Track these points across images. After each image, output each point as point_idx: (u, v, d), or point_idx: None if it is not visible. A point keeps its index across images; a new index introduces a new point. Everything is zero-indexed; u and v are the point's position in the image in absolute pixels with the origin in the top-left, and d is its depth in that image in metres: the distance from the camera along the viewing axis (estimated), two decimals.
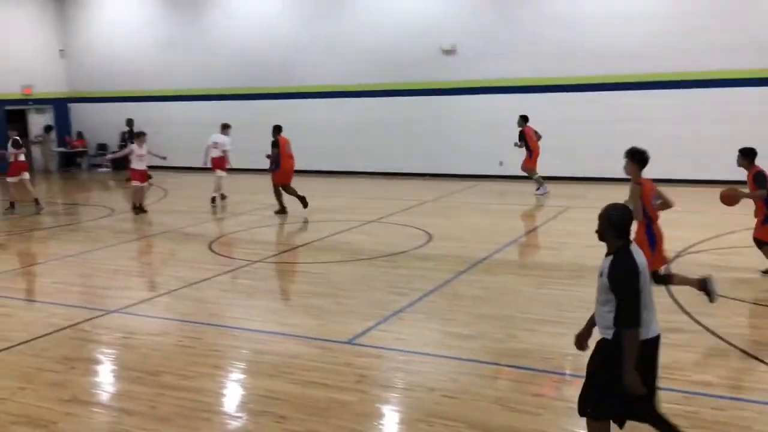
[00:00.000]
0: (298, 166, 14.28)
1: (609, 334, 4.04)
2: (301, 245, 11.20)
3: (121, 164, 23.29)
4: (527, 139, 15.75)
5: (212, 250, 11.08)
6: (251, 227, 12.93)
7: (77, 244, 11.97)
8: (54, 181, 22.13)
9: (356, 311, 7.72)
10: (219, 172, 15.69)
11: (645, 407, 4.13)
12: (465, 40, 18.77)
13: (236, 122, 21.30)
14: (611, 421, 4.22)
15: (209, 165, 15.80)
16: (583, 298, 8.33)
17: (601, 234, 4.14)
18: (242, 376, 6.13)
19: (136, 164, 14.49)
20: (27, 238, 12.69)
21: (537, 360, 6.18)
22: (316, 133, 20.61)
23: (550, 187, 15.84)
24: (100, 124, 24.12)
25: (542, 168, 16.07)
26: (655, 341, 4.10)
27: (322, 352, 6.52)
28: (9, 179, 15.01)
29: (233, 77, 21.72)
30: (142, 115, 22.86)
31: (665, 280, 7.35)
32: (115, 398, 5.70)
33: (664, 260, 7.28)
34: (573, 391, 5.63)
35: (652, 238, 6.98)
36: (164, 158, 15.35)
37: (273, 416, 5.24)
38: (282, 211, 14.06)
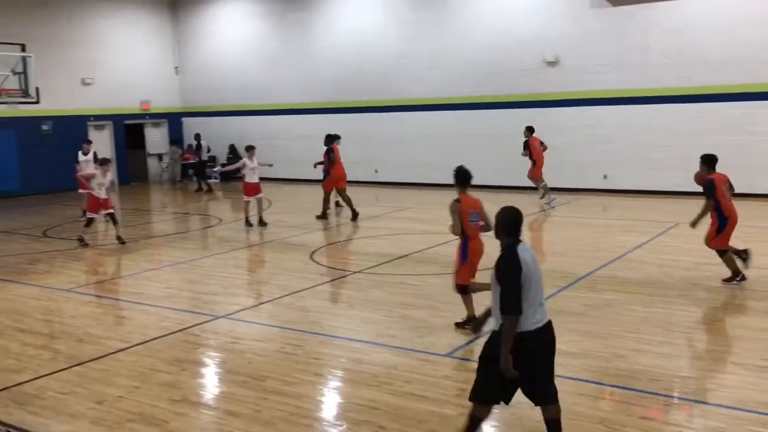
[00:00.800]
0: (396, 178, 14.47)
1: (499, 326, 4.45)
2: (400, 257, 11.27)
3: (229, 176, 24.33)
4: (531, 150, 16.30)
5: (314, 260, 11.33)
6: (352, 237, 13.14)
7: (187, 251, 12.55)
8: (166, 191, 23.30)
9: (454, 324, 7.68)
10: None
11: (486, 395, 4.61)
12: (568, 50, 18.42)
13: (341, 135, 21.79)
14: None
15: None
16: (695, 318, 7.95)
17: (496, 234, 4.60)
18: (342, 385, 6.22)
19: (249, 177, 14.53)
20: (143, 245, 13.42)
21: (644, 381, 5.93)
22: (414, 145, 20.77)
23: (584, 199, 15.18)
24: (210, 137, 25.22)
25: (655, 182, 15.52)
26: (539, 333, 4.47)
27: (421, 364, 6.53)
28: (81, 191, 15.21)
29: (335, 91, 22.23)
30: (249, 128, 23.78)
31: (465, 290, 7.55)
32: (222, 400, 5.92)
33: (472, 275, 7.54)
34: (683, 415, 5.39)
35: (465, 253, 7.42)
36: (270, 165, 15.72)
37: (372, 426, 5.29)
38: (323, 216, 15.03)
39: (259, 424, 5.38)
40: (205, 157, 22.91)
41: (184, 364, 6.86)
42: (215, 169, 23.53)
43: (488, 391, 4.60)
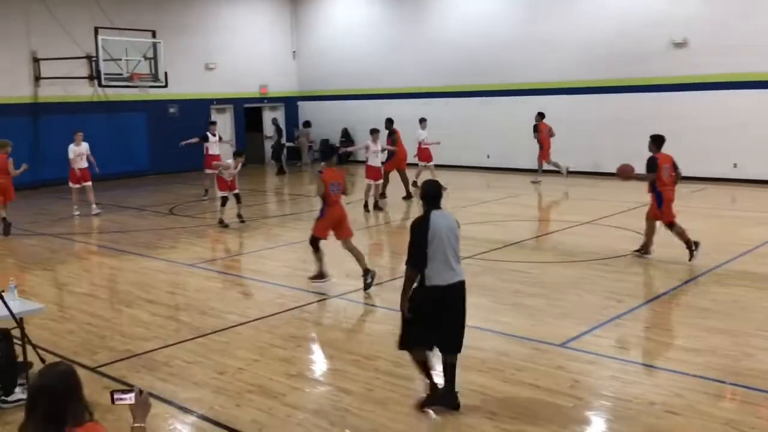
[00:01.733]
0: (509, 164, 14.27)
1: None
2: (512, 244, 11.10)
3: (343, 159, 24.77)
4: (540, 135, 18.00)
5: None
6: (462, 223, 13.03)
7: (302, 232, 12.86)
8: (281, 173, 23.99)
9: (570, 314, 7.49)
10: (422, 164, 17.00)
11: (413, 340, 5.35)
12: (698, 31, 17.39)
13: (451, 119, 21.69)
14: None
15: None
16: None
17: (422, 201, 5.43)
18: None
19: (372, 161, 14.62)
20: (260, 225, 13.93)
21: None
22: (529, 130, 20.31)
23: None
24: (324, 121, 25.76)
25: None
26: (445, 290, 5.17)
27: (533, 353, 6.42)
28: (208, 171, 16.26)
29: (450, 75, 22.05)
30: (363, 112, 24.06)
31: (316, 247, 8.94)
32: (335, 377, 6.06)
33: (325, 234, 8.92)
34: None
35: (322, 213, 8.90)
36: (393, 150, 15.85)
37: (484, 412, 5.26)
38: (408, 196, 15.62)
39: (371, 403, 5.47)
40: (283, 140, 23.45)
41: (300, 340, 7.07)
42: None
43: (409, 336, 5.35)
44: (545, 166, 18.35)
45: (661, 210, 9.45)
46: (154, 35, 19.72)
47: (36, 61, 19.58)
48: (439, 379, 5.45)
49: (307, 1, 26.02)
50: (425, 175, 15.97)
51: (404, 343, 5.41)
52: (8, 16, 18.94)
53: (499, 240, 11.34)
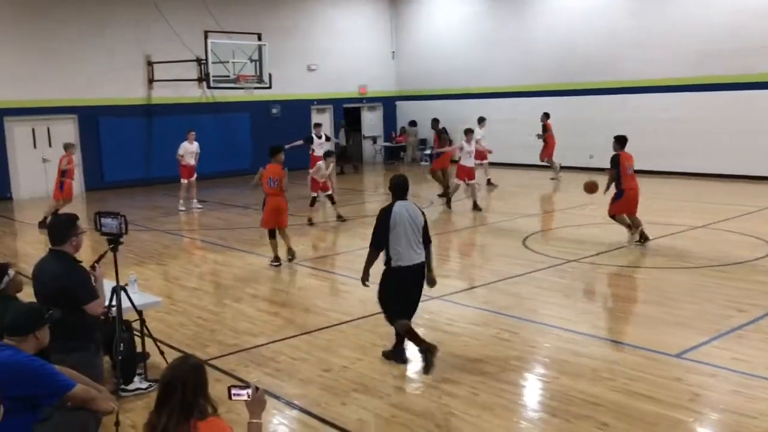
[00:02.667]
0: None
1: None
2: (620, 247, 10.68)
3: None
4: (547, 133, 18.86)
5: (526, 246, 11.11)
6: (566, 225, 12.70)
7: None
8: (379, 172, 24.17)
9: (686, 323, 7.11)
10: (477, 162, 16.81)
11: (394, 314, 6.23)
12: None
13: (554, 118, 21.19)
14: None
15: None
16: None
17: (390, 192, 6.23)
18: (560, 377, 5.99)
19: (464, 161, 14.57)
20: (358, 224, 14.03)
21: None
22: (635, 129, 19.50)
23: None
24: (422, 120, 25.72)
25: None
26: (407, 270, 6.05)
27: (647, 363, 6.13)
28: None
29: (552, 72, 21.54)
30: (460, 111, 23.89)
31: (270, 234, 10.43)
32: (440, 380, 5.97)
33: (267, 225, 10.36)
34: None
35: (263, 206, 10.37)
36: (490, 152, 15.75)
37: (595, 422, 5.06)
38: (444, 195, 15.46)
39: (477, 407, 5.37)
40: (343, 142, 23.39)
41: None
42: (426, 152, 23.96)
43: (392, 312, 6.24)
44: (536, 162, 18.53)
45: (618, 202, 10.60)
46: (259, 38, 20.28)
47: (150, 64, 20.57)
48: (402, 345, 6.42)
49: (407, 1, 26.07)
50: (479, 174, 15.90)
51: (390, 319, 6.28)
52: (126, 23, 19.98)
53: (606, 243, 10.94)
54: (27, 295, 6.34)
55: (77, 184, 19.65)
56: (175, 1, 20.65)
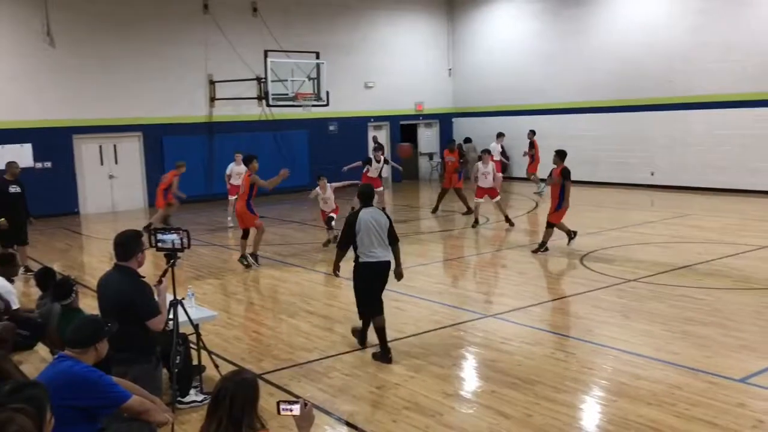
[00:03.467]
0: (675, 181, 13.48)
1: None
2: (682, 267, 10.37)
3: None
4: (536, 149, 19.99)
5: (584, 265, 10.90)
6: (624, 243, 12.41)
7: (456, 249, 12.86)
8: (435, 189, 24.09)
9: (751, 347, 6.85)
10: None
11: (361, 305, 7.16)
12: None
13: (611, 134, 20.88)
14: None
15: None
16: None
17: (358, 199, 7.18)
18: (618, 400, 5.83)
19: (481, 182, 14.56)
20: (414, 240, 14.04)
21: None
22: (698, 146, 19.07)
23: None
24: (478, 137, 25.62)
25: None
26: (372, 266, 6.91)
27: (709, 387, 5.92)
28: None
29: (612, 89, 21.16)
30: (519, 128, 23.74)
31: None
32: (493, 399, 5.90)
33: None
34: None
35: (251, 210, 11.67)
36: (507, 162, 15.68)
37: None
38: (469, 212, 15.97)
39: (531, 429, 5.28)
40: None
41: (455, 359, 7.00)
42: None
43: (361, 309, 7.14)
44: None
45: (559, 212, 11.70)
46: (318, 56, 20.61)
47: (212, 83, 21.12)
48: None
49: (464, 17, 26.10)
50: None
51: (360, 314, 7.15)
52: (191, 43, 20.59)
53: (666, 263, 10.64)
54: (90, 307, 6.56)
55: (142, 198, 20.32)
56: (236, 22, 21.20)
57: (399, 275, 7.19)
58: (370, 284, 7.00)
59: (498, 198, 14.68)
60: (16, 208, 11.42)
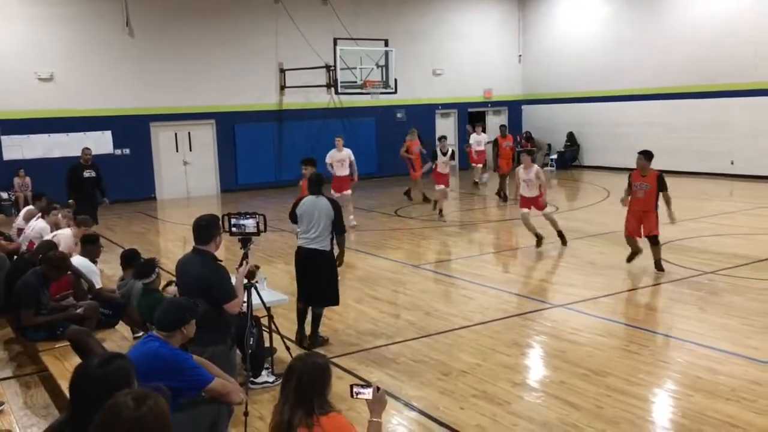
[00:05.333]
0: (757, 170, 12.89)
1: None
2: (763, 260, 9.95)
3: (565, 163, 24.04)
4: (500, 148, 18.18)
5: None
6: (702, 234, 12.00)
7: (524, 237, 12.67)
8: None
9: None
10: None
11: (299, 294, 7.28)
12: None
13: (688, 121, 20.16)
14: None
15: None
16: None
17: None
18: (694, 394, 5.67)
19: (524, 191, 11.65)
20: (481, 228, 13.93)
21: None
22: None
23: None
24: (550, 124, 25.18)
25: None
26: (301, 250, 7.14)
27: None
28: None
29: (690, 74, 20.37)
30: (591, 115, 23.20)
31: None
32: (562, 390, 5.82)
33: None
34: None
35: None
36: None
37: None
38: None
39: (601, 421, 5.19)
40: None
41: (524, 348, 6.94)
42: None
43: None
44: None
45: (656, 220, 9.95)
46: (386, 44, 20.59)
47: (282, 71, 21.42)
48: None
49: (535, 3, 25.61)
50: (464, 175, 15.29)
51: (297, 299, 7.23)
52: (263, 32, 20.94)
53: (747, 255, 10.23)
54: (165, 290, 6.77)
55: (214, 184, 20.84)
56: (306, 11, 21.40)
57: (339, 263, 7.42)
58: (299, 268, 7.14)
59: (547, 210, 11.75)
60: (90, 191, 12.02)
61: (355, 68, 19.88)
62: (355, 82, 19.92)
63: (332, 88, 20.91)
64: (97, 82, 18.87)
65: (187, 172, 20.58)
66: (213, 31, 20.28)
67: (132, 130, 19.33)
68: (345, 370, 6.37)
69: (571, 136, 24.33)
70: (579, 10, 23.93)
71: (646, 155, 9.56)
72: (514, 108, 26.47)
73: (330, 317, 8.12)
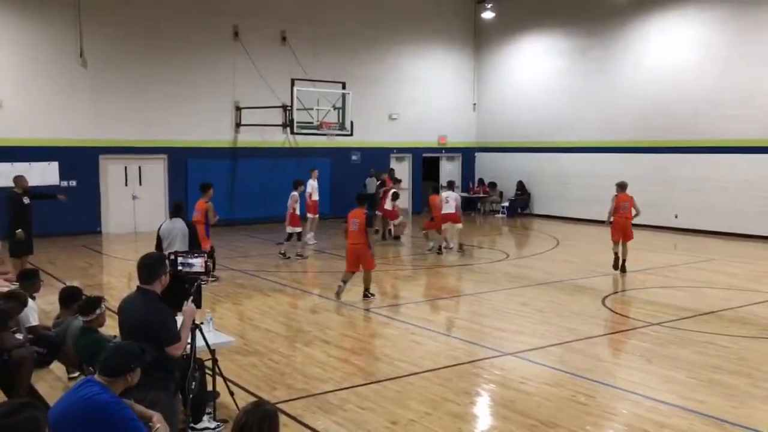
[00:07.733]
0: (699, 225, 13.28)
1: None
2: (707, 313, 10.16)
3: (515, 211, 24.38)
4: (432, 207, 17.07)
5: (606, 306, 10.73)
6: (647, 286, 12.22)
7: (475, 284, 12.73)
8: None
9: None
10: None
11: None
12: None
13: (635, 175, 20.71)
14: None
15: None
16: None
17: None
18: None
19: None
20: (433, 273, 13.93)
21: None
22: (722, 190, 18.87)
23: None
24: (502, 172, 25.58)
25: None
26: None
27: None
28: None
29: (637, 130, 21.06)
30: (542, 165, 23.68)
31: None
32: None
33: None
34: None
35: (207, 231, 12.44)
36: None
37: None
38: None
39: None
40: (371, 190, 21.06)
41: (473, 397, 6.86)
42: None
43: None
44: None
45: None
46: (344, 86, 20.77)
47: (238, 109, 21.34)
48: None
49: (490, 53, 26.23)
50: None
51: None
52: (219, 69, 20.88)
53: (690, 308, 10.44)
54: (108, 327, 6.52)
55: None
56: (265, 49, 21.46)
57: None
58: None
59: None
60: (30, 219, 11.86)
61: (312, 109, 19.97)
62: (312, 122, 19.98)
63: (288, 128, 20.91)
64: (47, 111, 18.47)
65: (135, 207, 20.15)
66: (169, 65, 20.14)
67: (80, 162, 18.89)
68: (290, 417, 6.18)
69: (521, 185, 24.75)
70: (533, 61, 24.61)
71: (622, 185, 13.82)
72: (467, 155, 26.87)
73: (276, 360, 7.94)
